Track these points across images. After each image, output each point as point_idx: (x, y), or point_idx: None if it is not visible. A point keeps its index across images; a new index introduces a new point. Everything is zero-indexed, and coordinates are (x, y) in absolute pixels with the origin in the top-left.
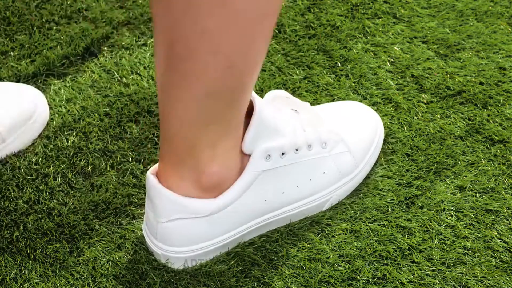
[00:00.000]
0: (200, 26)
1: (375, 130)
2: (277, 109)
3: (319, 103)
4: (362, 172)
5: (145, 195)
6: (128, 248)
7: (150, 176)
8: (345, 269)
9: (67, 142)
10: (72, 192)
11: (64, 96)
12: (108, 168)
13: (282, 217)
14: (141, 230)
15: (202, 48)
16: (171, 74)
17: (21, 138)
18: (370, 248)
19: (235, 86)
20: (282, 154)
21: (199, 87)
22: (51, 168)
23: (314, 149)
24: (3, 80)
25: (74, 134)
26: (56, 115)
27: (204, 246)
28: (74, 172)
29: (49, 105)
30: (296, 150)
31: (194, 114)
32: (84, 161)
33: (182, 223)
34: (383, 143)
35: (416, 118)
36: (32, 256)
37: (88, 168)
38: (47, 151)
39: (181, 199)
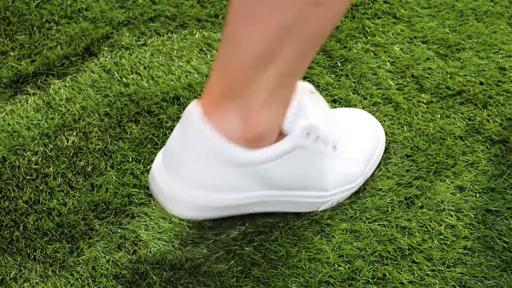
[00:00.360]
0: None
1: (377, 140)
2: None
3: None
4: (362, 182)
5: (145, 195)
6: (128, 248)
7: (193, 110)
8: (345, 269)
9: (67, 142)
10: (72, 192)
11: (64, 96)
12: (108, 168)
13: (283, 199)
14: (141, 229)
15: None
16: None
17: None
18: (370, 248)
19: (315, 28)
20: (317, 138)
21: (279, 20)
22: (51, 168)
23: (329, 147)
24: (3, 80)
25: (74, 134)
26: (56, 114)
27: (224, 199)
28: (74, 172)
29: (49, 104)
30: (324, 140)
31: (265, 49)
32: (84, 161)
33: (213, 167)
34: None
35: (416, 118)
36: (32, 256)
37: (88, 168)
38: (47, 150)
39: (223, 142)
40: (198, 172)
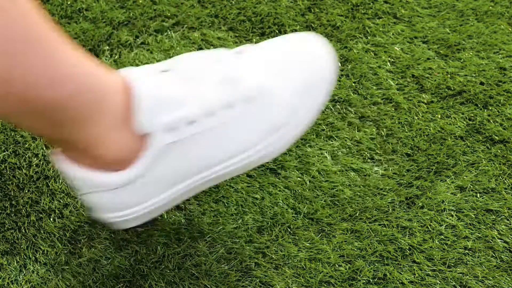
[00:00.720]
0: None
1: (311, 67)
2: (179, 72)
3: None
4: (306, 118)
5: None
6: (129, 249)
7: (52, 158)
8: (345, 269)
9: None
10: (73, 193)
11: None
12: None
13: (218, 175)
14: (141, 229)
15: None
16: None
17: None
18: (370, 248)
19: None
20: (190, 122)
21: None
22: (51, 171)
23: (237, 108)
24: None
25: None
26: None
27: (132, 212)
28: None
29: None
30: (212, 114)
31: (33, 128)
32: None
33: (97, 195)
34: (383, 143)
35: (416, 118)
36: (34, 258)
37: None
38: (48, 152)
39: (84, 176)
40: (95, 201)
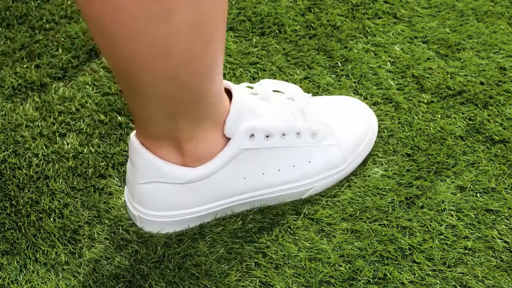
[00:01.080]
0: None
1: (368, 127)
2: (263, 95)
3: None
4: (349, 168)
5: None
6: (129, 249)
7: (133, 138)
8: (345, 269)
9: (67, 144)
10: (73, 193)
11: (64, 95)
12: (109, 169)
13: (260, 199)
14: (142, 229)
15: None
16: (125, 82)
17: None
18: (370, 248)
19: (188, 82)
20: (267, 136)
21: (153, 92)
22: (51, 171)
23: (303, 137)
24: (5, 82)
25: (75, 134)
26: (56, 114)
27: (179, 214)
28: (75, 174)
29: (49, 104)
30: (283, 135)
31: (158, 112)
32: (85, 163)
33: (159, 187)
34: (384, 143)
35: (416, 118)
36: (34, 258)
37: (89, 169)
38: (48, 152)
39: (160, 162)
40: (150, 194)
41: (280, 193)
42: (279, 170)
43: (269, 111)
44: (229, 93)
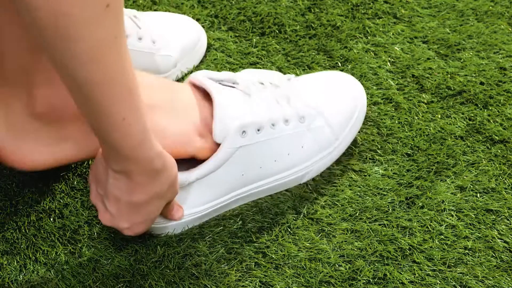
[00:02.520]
0: None
1: (355, 101)
2: (244, 87)
3: None
4: (342, 145)
5: None
6: (129, 249)
7: None
8: (345, 269)
9: None
10: (73, 193)
11: None
12: None
13: (261, 189)
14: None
15: None
16: None
17: (186, 64)
18: (370, 248)
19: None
20: (258, 130)
21: None
22: (51, 171)
23: (292, 123)
24: None
25: None
26: None
27: (185, 215)
28: (75, 174)
29: None
30: (273, 125)
31: None
32: (85, 162)
33: None
34: (384, 143)
35: (416, 118)
36: (34, 258)
37: (89, 169)
38: None
39: None
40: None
41: (279, 182)
42: (275, 160)
43: (254, 105)
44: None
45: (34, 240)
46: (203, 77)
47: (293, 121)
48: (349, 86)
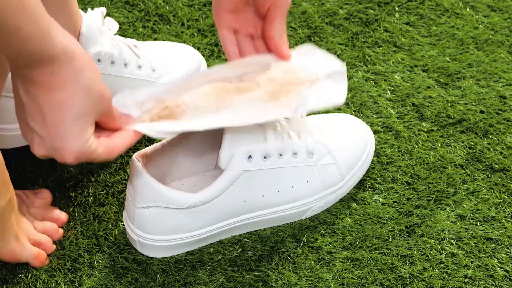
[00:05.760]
0: None
1: (365, 145)
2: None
3: None
4: (347, 186)
5: None
6: (129, 277)
7: (135, 160)
8: None
9: (67, 173)
10: (72, 223)
11: None
12: (109, 198)
13: (260, 220)
14: (143, 255)
15: None
16: None
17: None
18: (371, 277)
19: None
20: (265, 157)
21: None
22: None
23: (300, 157)
24: None
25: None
26: None
27: (179, 238)
28: (75, 203)
29: None
30: (280, 155)
31: None
32: (85, 191)
33: (159, 212)
34: (384, 171)
35: (416, 146)
36: (34, 287)
37: (89, 198)
38: (47, 182)
39: (162, 187)
40: (150, 218)
41: (280, 214)
42: (278, 191)
43: (264, 133)
44: None
45: (34, 271)
46: None
47: (302, 154)
48: (361, 130)
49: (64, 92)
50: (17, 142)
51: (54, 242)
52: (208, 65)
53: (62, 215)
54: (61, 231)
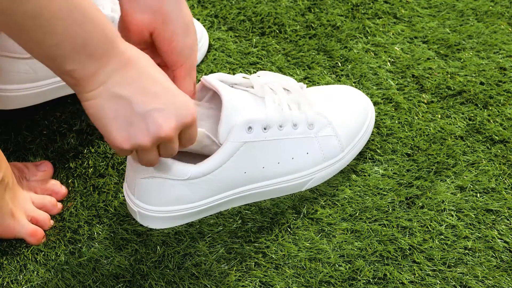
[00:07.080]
0: None
1: (365, 116)
2: (258, 88)
3: None
4: (347, 157)
5: None
6: (128, 249)
7: None
8: (345, 269)
9: (67, 144)
10: (72, 194)
11: (66, 95)
12: (109, 169)
13: (261, 191)
14: (143, 227)
15: None
16: None
17: None
18: (370, 248)
19: None
20: (265, 128)
21: None
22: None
23: (300, 128)
24: None
25: (74, 135)
26: (58, 114)
27: (179, 209)
28: (75, 174)
29: (48, 104)
30: (280, 126)
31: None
32: (85, 163)
33: (160, 182)
34: (383, 143)
35: (416, 118)
36: (34, 259)
37: (88, 169)
38: (47, 153)
39: (162, 159)
40: (150, 189)
41: (280, 185)
42: (278, 162)
43: (264, 105)
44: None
45: None
46: (215, 79)
47: (302, 126)
48: (361, 102)
49: (127, 90)
50: (16, 103)
51: (53, 216)
52: (208, 37)
53: (62, 189)
54: (59, 205)
